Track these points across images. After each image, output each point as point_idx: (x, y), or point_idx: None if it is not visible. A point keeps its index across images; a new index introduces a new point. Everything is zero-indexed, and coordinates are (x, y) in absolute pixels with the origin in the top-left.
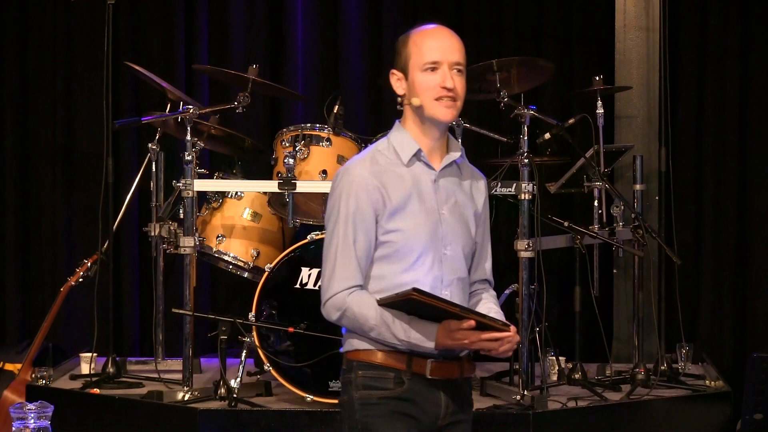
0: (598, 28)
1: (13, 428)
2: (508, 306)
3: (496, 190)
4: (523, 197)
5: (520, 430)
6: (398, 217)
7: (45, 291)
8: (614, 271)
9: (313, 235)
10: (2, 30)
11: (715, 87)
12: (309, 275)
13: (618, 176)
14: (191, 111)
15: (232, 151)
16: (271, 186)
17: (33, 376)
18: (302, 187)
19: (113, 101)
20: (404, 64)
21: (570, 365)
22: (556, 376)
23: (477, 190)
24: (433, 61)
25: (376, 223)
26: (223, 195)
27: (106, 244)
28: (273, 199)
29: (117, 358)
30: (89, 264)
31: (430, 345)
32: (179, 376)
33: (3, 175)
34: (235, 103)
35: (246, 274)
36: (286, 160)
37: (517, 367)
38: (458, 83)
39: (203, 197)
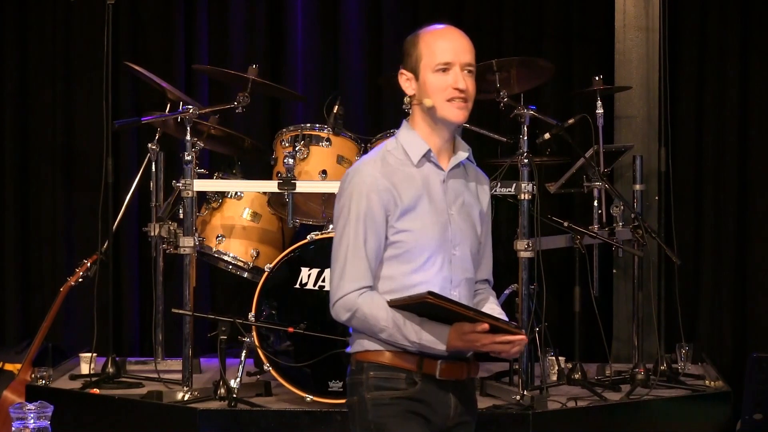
0: (597, 28)
1: (13, 428)
2: (508, 306)
3: (495, 190)
4: (522, 197)
5: (520, 430)
6: (408, 218)
7: (45, 291)
8: (614, 271)
9: (312, 235)
10: (2, 30)
11: (715, 87)
12: (309, 275)
13: (618, 176)
14: (191, 111)
15: (231, 151)
16: (271, 186)
17: (33, 376)
18: (302, 187)
19: (113, 101)
20: (415, 64)
21: (570, 365)
22: (556, 376)
23: (482, 190)
24: (445, 62)
25: (386, 224)
26: (222, 195)
27: (105, 244)
28: (273, 199)
29: (117, 358)
30: (89, 264)
31: (441, 347)
32: (179, 376)
33: (3, 175)
34: (235, 103)
35: (246, 274)
36: (285, 160)
37: (517, 367)
38: (470, 84)
39: (203, 197)
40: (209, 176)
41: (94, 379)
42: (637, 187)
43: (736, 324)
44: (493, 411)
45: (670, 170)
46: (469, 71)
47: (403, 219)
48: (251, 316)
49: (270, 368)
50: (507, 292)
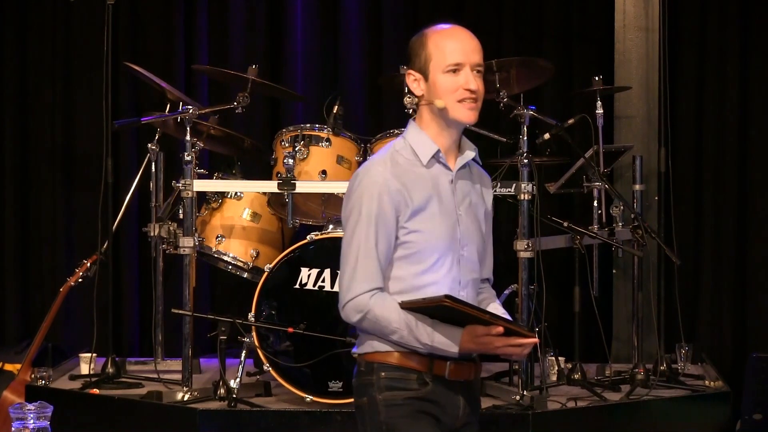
0: (597, 28)
1: (13, 428)
2: (507, 306)
3: (495, 191)
4: (522, 197)
5: (520, 431)
6: (419, 219)
7: (44, 291)
8: (614, 271)
9: (312, 236)
10: (2, 30)
11: (715, 87)
12: (308, 275)
13: (617, 176)
14: (191, 111)
15: (231, 151)
16: (271, 186)
17: (32, 376)
18: (302, 187)
19: (113, 101)
20: (424, 65)
21: (569, 365)
22: (556, 376)
23: (486, 189)
24: (456, 63)
25: (397, 225)
26: (222, 195)
27: (105, 245)
28: (272, 200)
29: (116, 359)
30: (89, 264)
31: (454, 349)
32: (179, 376)
33: (3, 175)
34: (235, 103)
35: (245, 275)
36: (285, 161)
37: (517, 367)
38: (480, 84)
39: (203, 197)
40: (209, 176)
41: (93, 379)
42: (637, 187)
43: (736, 324)
44: (492, 411)
45: (669, 170)
46: (478, 71)
47: (413, 220)
48: (251, 316)
49: (270, 368)
50: (507, 292)
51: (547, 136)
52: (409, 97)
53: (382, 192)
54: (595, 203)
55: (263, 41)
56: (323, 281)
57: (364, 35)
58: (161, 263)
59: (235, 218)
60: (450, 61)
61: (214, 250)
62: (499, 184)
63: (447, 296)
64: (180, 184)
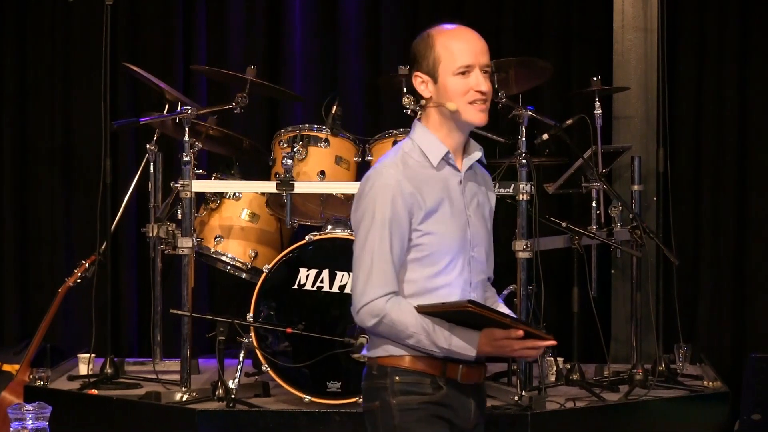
0: (596, 28)
1: (11, 429)
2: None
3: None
4: (521, 198)
5: (518, 431)
6: (432, 221)
7: (43, 292)
8: (612, 271)
9: (311, 236)
10: (1, 31)
11: (714, 87)
12: (307, 276)
13: (616, 177)
14: (189, 112)
15: (230, 151)
16: (269, 187)
17: (31, 376)
18: (300, 187)
19: (111, 102)
20: (432, 67)
21: (568, 366)
22: (554, 376)
23: (489, 189)
24: (466, 65)
25: (410, 227)
26: (221, 196)
27: (104, 245)
28: (271, 200)
29: (115, 359)
30: (87, 265)
31: (472, 353)
32: (177, 376)
33: (2, 175)
34: (233, 103)
35: (244, 275)
36: (284, 161)
37: (515, 367)
38: (489, 85)
39: (201, 198)
40: (207, 177)
41: (92, 379)
42: (636, 187)
43: (735, 324)
44: (491, 411)
45: (668, 171)
46: (486, 71)
47: (426, 222)
48: (249, 316)
49: (268, 369)
50: (505, 292)
51: (545, 136)
52: (408, 98)
53: (395, 194)
54: (594, 203)
55: (262, 42)
56: (322, 282)
57: (363, 36)
58: (160, 264)
59: (234, 219)
60: (460, 63)
61: (212, 250)
62: (497, 185)
63: (470, 301)
64: (178, 185)
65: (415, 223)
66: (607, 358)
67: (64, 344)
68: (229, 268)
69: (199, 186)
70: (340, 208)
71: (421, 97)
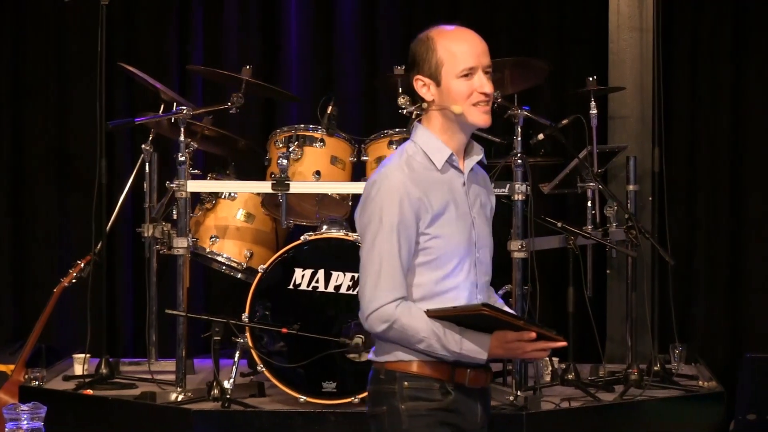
0: (591, 28)
1: (7, 429)
2: None
3: None
4: (516, 198)
5: (514, 431)
6: (439, 224)
7: (38, 292)
8: (607, 271)
9: (306, 236)
10: None
11: (709, 87)
12: (302, 276)
13: (611, 177)
14: (185, 112)
15: (225, 151)
16: (265, 187)
17: (26, 377)
18: (296, 187)
19: (107, 102)
20: (434, 70)
21: (563, 366)
22: (550, 376)
23: (489, 188)
24: (469, 68)
25: (417, 231)
26: (216, 196)
27: (99, 245)
28: (266, 200)
29: (110, 359)
30: (82, 265)
31: (483, 356)
32: (172, 377)
33: None
34: (229, 103)
35: (239, 275)
36: (279, 161)
37: (510, 367)
38: (492, 86)
39: (197, 198)
40: (203, 177)
41: (87, 380)
42: (631, 187)
43: (730, 324)
44: None
45: (663, 171)
46: (488, 72)
47: (433, 225)
48: (245, 316)
49: (263, 369)
50: (500, 292)
51: (541, 136)
52: (404, 98)
53: (402, 198)
54: (589, 204)
55: (258, 42)
56: (317, 282)
57: (359, 36)
58: (155, 264)
59: (229, 219)
60: (463, 66)
61: (208, 250)
62: (493, 185)
63: (484, 304)
64: (174, 185)
65: (422, 227)
66: (603, 358)
67: (59, 344)
68: (224, 268)
69: (194, 186)
70: (335, 208)
71: (423, 100)
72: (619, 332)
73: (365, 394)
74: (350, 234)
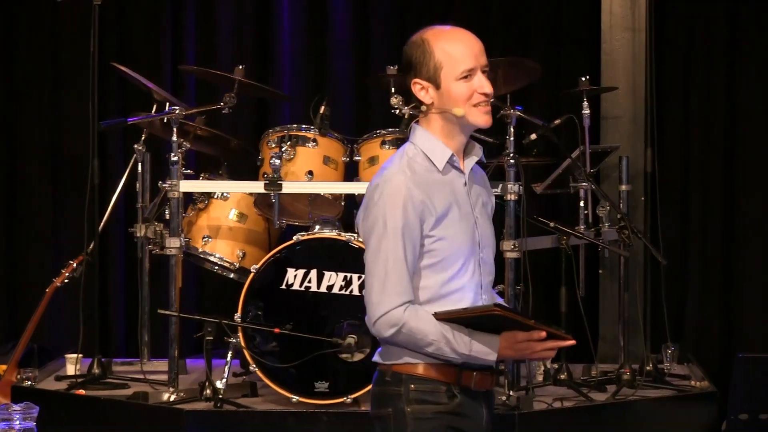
0: (584, 28)
1: None
2: None
3: None
4: (509, 198)
5: (506, 431)
6: (442, 226)
7: (31, 292)
8: (600, 271)
9: (299, 236)
10: None
11: (702, 88)
12: (295, 276)
13: (604, 177)
14: (177, 112)
15: (218, 151)
16: (257, 187)
17: (18, 377)
18: (288, 187)
19: (99, 102)
20: (433, 73)
21: (555, 366)
22: (542, 376)
23: (489, 188)
24: (469, 69)
25: (421, 234)
26: (209, 196)
27: (91, 245)
28: (259, 200)
29: (102, 359)
30: (75, 265)
31: (492, 358)
32: (165, 377)
33: None
34: (222, 103)
35: (232, 275)
36: (272, 161)
37: (503, 367)
38: (491, 86)
39: (189, 198)
40: (195, 177)
41: (79, 380)
42: (623, 187)
43: (722, 324)
44: None
45: (656, 171)
46: (485, 71)
47: (437, 227)
48: (237, 316)
49: (256, 369)
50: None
51: (533, 136)
52: (396, 98)
53: (406, 202)
54: (582, 203)
55: (250, 42)
56: (309, 282)
57: (351, 36)
58: (147, 264)
59: (222, 219)
60: (463, 68)
61: (200, 250)
62: None
63: (496, 305)
64: (166, 185)
65: (426, 230)
66: (595, 358)
67: (51, 344)
68: (216, 268)
69: (187, 186)
70: (328, 208)
71: (421, 103)
72: (611, 332)
73: (358, 394)
74: (343, 234)
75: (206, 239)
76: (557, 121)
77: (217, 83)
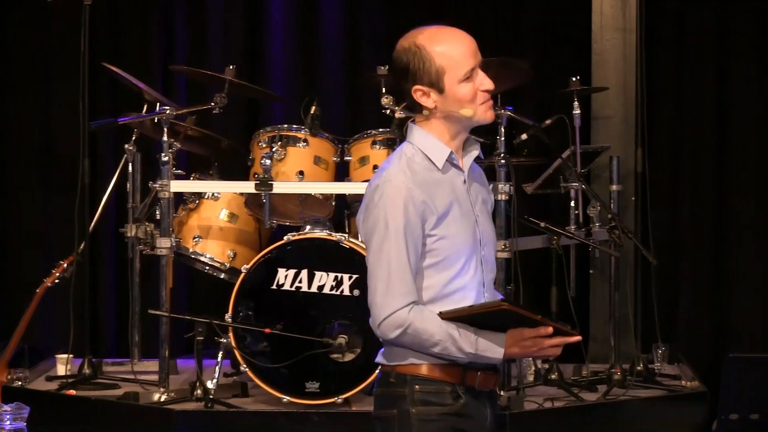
0: (575, 29)
1: None
2: None
3: None
4: (499, 198)
5: (497, 431)
6: (443, 225)
7: (21, 292)
8: (591, 271)
9: (290, 236)
10: None
11: (692, 88)
12: (286, 276)
13: (594, 177)
14: (168, 112)
15: (208, 152)
16: (248, 187)
17: (9, 377)
18: (279, 188)
19: (90, 102)
20: (435, 78)
21: (546, 366)
22: (533, 376)
23: (486, 184)
24: (471, 69)
25: (423, 234)
26: (199, 196)
27: (82, 245)
28: (250, 200)
29: (93, 360)
30: (65, 265)
31: (499, 356)
32: (155, 377)
33: None
34: (212, 104)
35: (222, 275)
36: (262, 161)
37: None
38: (491, 80)
39: (180, 198)
40: (186, 177)
41: (70, 380)
42: (614, 187)
43: (713, 324)
44: None
45: (646, 171)
46: (481, 67)
47: (439, 227)
48: (228, 317)
49: (247, 369)
50: None
51: (524, 136)
52: (387, 98)
53: (407, 202)
54: (572, 204)
55: (241, 42)
56: (300, 282)
57: (342, 36)
58: (138, 264)
59: (213, 219)
60: (465, 69)
61: (191, 250)
62: None
63: (504, 300)
64: (157, 185)
65: (427, 229)
66: (586, 358)
67: (42, 345)
68: (207, 268)
69: (177, 186)
70: (318, 208)
71: (422, 108)
72: (602, 332)
73: (348, 394)
74: (333, 234)
75: (197, 239)
76: (548, 122)
77: (207, 83)
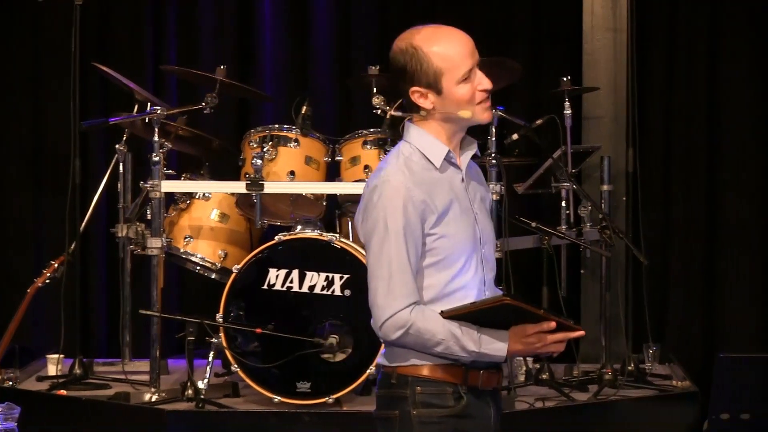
0: (566, 29)
1: None
2: None
3: None
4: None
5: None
6: (443, 224)
7: (12, 292)
8: (582, 271)
9: (281, 236)
10: None
11: (683, 88)
12: (277, 276)
13: (585, 177)
14: (159, 112)
15: (199, 152)
16: (239, 187)
17: None
18: (270, 188)
19: (81, 102)
20: (434, 80)
21: (537, 366)
22: (524, 376)
23: (483, 181)
24: (468, 70)
25: (423, 233)
26: (190, 196)
27: (73, 246)
28: (241, 200)
29: (84, 360)
30: (56, 265)
31: (502, 354)
32: (146, 377)
33: None
34: (203, 104)
35: (213, 275)
36: (253, 161)
37: None
38: (489, 80)
39: (171, 198)
40: (177, 177)
41: (61, 380)
42: (605, 187)
43: (704, 324)
44: None
45: (637, 171)
46: (478, 66)
47: (439, 226)
48: (219, 317)
49: (238, 369)
50: None
51: (515, 136)
52: (378, 98)
53: (406, 202)
54: (564, 203)
55: (232, 42)
56: (291, 282)
57: (333, 36)
58: (129, 264)
59: (204, 219)
60: (464, 70)
61: (182, 250)
62: None
63: (506, 295)
64: (148, 185)
65: (427, 228)
66: (577, 358)
67: (32, 345)
68: (198, 268)
69: (168, 186)
70: (309, 208)
71: (419, 109)
72: (593, 332)
73: (339, 394)
74: (324, 234)
75: (188, 239)
76: (539, 121)
77: (198, 83)
